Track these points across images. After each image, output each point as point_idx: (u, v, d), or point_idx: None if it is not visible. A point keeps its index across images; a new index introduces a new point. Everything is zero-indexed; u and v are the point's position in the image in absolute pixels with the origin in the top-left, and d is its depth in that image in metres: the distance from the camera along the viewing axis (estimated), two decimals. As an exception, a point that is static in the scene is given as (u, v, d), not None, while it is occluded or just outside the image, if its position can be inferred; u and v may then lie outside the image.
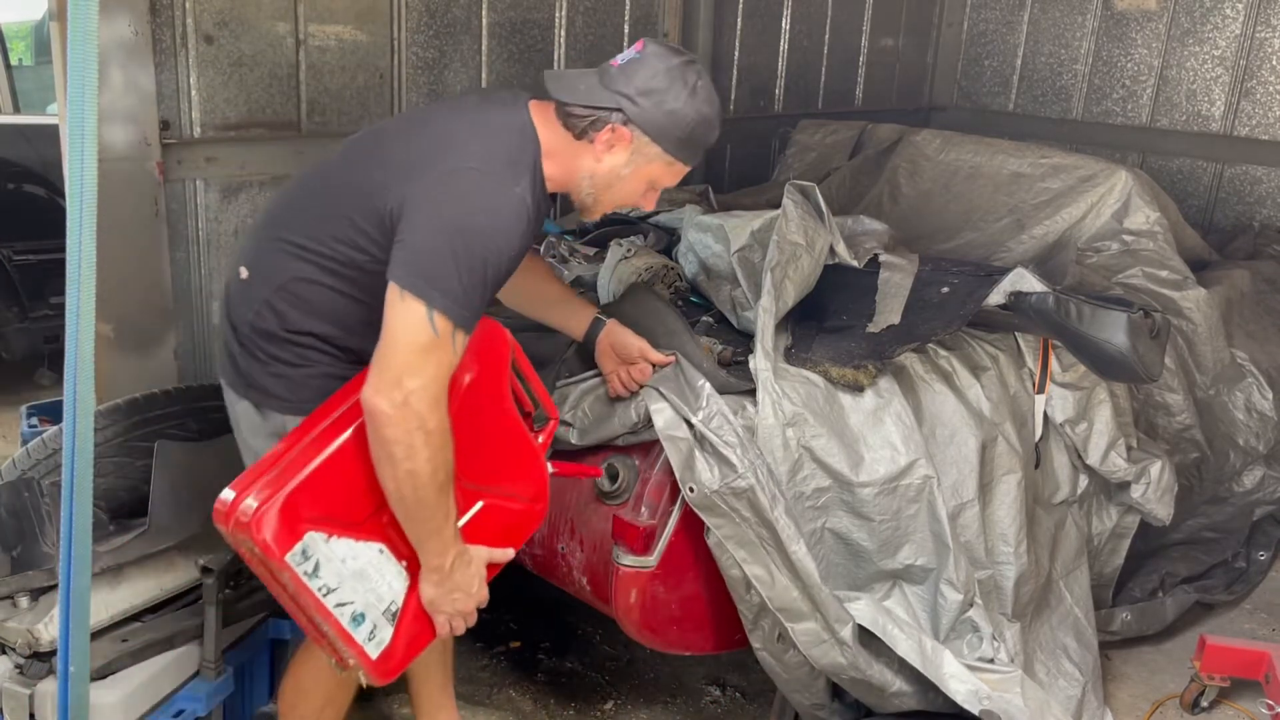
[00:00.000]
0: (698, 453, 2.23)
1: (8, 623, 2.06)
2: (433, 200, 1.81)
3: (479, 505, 2.01)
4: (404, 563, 1.90)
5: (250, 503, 1.73)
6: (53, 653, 2.03)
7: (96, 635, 2.11)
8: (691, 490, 2.21)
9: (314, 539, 1.77)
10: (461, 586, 1.92)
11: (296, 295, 1.96)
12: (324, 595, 1.78)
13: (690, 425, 2.26)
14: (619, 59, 1.97)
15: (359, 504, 1.83)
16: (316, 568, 1.77)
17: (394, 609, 1.88)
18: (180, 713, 2.17)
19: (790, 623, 2.33)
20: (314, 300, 1.96)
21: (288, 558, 1.73)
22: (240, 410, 2.08)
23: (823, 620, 2.34)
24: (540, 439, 2.17)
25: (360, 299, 1.94)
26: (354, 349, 1.98)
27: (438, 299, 1.74)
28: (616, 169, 1.97)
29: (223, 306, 2.09)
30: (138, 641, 2.14)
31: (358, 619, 1.83)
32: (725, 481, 2.20)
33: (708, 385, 2.28)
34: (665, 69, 1.93)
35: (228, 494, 1.75)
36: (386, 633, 1.87)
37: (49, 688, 2.02)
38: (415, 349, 1.74)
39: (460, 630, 1.98)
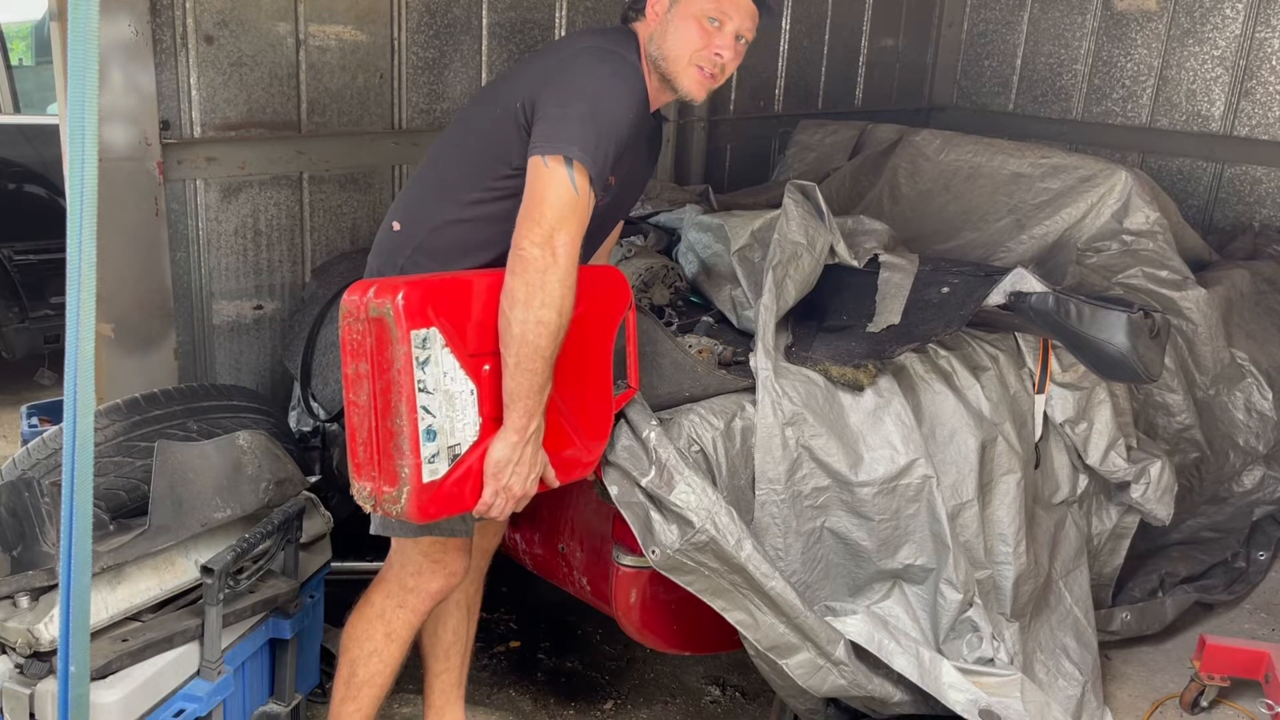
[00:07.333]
0: (654, 514, 2.18)
1: (8, 623, 2.06)
2: (559, 77, 2.00)
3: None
4: (481, 419, 1.95)
5: (396, 283, 1.84)
6: (53, 653, 2.02)
7: (96, 635, 2.11)
8: (654, 554, 2.17)
9: (436, 335, 1.86)
10: (527, 461, 1.97)
11: (444, 236, 2.11)
12: (419, 389, 1.84)
13: (642, 488, 2.20)
14: None
15: (475, 337, 1.92)
16: (426, 362, 1.85)
17: (458, 451, 1.92)
18: (180, 713, 2.17)
19: (782, 659, 2.29)
20: (459, 240, 2.10)
21: (413, 333, 1.82)
22: None
23: (815, 647, 2.31)
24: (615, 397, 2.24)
25: (495, 233, 2.04)
26: None
27: (575, 151, 1.89)
28: (662, 15, 2.11)
29: (371, 259, 2.22)
30: (138, 641, 2.14)
31: (430, 434, 1.87)
32: (685, 539, 2.14)
33: (653, 434, 2.21)
34: None
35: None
36: (443, 467, 1.90)
37: (49, 688, 2.02)
38: (562, 205, 1.89)
39: (498, 512, 2.00)
